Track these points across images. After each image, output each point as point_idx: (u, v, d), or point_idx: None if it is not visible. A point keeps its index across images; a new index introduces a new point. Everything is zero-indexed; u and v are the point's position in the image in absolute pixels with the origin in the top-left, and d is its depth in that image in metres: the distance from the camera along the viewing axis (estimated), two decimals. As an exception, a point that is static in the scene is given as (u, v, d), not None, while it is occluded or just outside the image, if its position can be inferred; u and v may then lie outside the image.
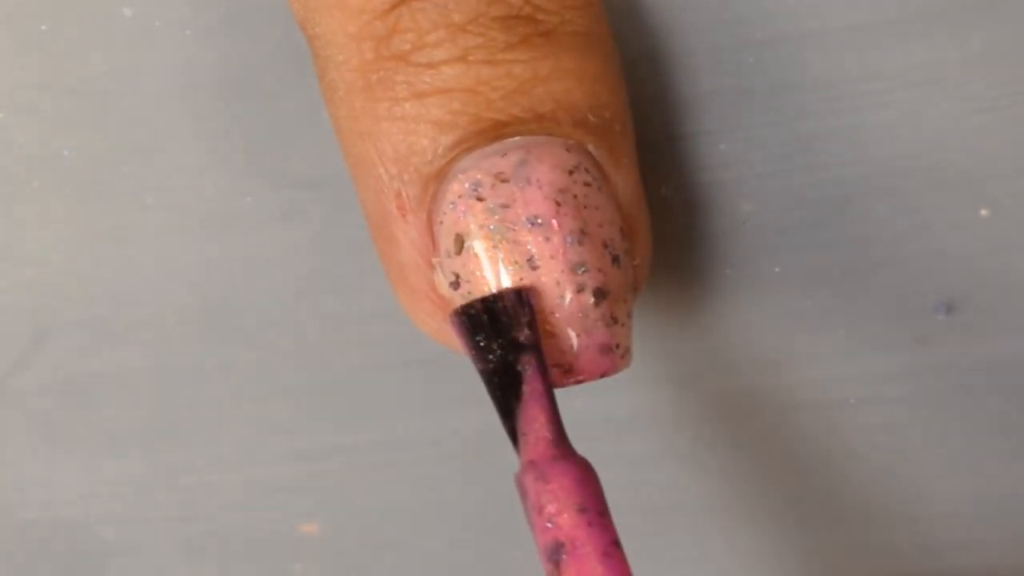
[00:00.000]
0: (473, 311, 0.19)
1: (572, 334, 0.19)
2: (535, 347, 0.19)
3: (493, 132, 0.19)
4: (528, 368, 0.19)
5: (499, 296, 0.19)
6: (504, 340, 0.19)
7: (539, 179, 0.19)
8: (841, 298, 0.24)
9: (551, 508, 0.18)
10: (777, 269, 0.24)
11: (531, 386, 0.19)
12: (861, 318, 0.24)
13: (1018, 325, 0.24)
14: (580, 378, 0.20)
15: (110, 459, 0.26)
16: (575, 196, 0.19)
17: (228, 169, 0.24)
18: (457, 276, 0.20)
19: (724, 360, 0.25)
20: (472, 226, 0.19)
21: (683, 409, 0.25)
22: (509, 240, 0.19)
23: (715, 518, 0.26)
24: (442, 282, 0.20)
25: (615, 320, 0.20)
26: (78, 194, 0.24)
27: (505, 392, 0.19)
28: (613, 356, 0.20)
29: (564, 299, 0.19)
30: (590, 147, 0.20)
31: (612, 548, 0.18)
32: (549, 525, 0.18)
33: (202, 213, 0.24)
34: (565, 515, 0.18)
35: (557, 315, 0.19)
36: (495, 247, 0.19)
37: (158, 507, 0.26)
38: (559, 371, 0.20)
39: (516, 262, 0.19)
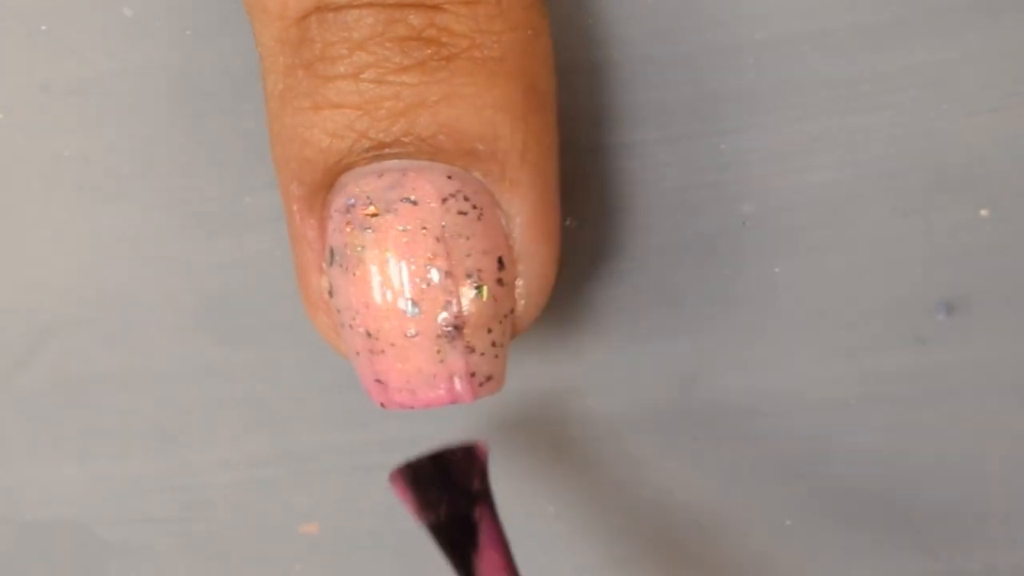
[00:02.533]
0: (420, 467, 0.20)
1: (413, 360, 0.20)
2: (487, 496, 0.20)
3: (375, 151, 0.19)
4: (484, 517, 0.20)
5: (450, 452, 0.20)
6: (457, 492, 0.20)
7: (403, 209, 0.19)
8: (841, 298, 0.24)
9: None
10: (777, 269, 0.24)
11: (488, 534, 0.20)
12: (861, 318, 0.24)
13: (1018, 325, 0.24)
14: (414, 401, 0.20)
15: (110, 459, 0.26)
16: (442, 225, 0.19)
17: (228, 169, 0.24)
18: (331, 286, 0.20)
19: (724, 360, 0.25)
20: (340, 243, 0.20)
21: (683, 409, 0.25)
22: (368, 262, 0.20)
23: (715, 518, 0.26)
24: (326, 286, 0.20)
25: (471, 349, 0.20)
26: (78, 194, 0.24)
27: (459, 542, 0.20)
28: (467, 383, 0.20)
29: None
30: (476, 174, 0.20)
31: None
32: None
33: (202, 213, 0.24)
34: None
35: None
36: (354, 269, 0.20)
37: (158, 507, 0.26)
38: (408, 392, 0.20)
39: (365, 290, 0.20)
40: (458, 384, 0.20)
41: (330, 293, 0.20)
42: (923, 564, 0.26)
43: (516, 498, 0.26)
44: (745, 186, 0.23)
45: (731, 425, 0.25)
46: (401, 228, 0.19)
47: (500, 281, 0.20)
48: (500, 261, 0.20)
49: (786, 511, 0.26)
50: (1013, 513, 0.25)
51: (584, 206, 0.24)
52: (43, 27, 0.23)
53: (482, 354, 0.20)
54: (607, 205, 0.24)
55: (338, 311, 0.20)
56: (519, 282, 0.20)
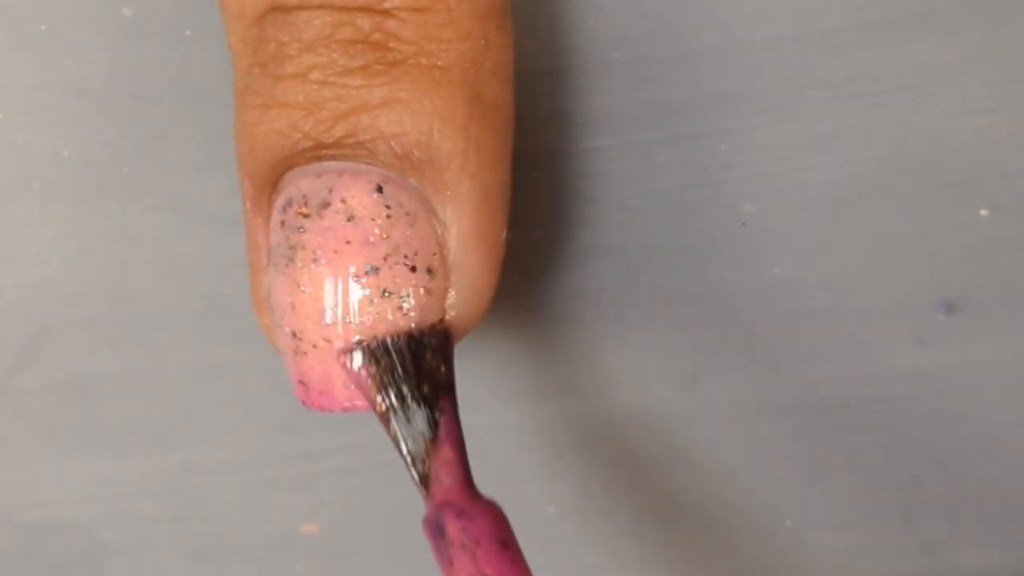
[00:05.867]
0: (392, 347, 0.19)
1: (334, 362, 0.20)
2: (452, 388, 0.19)
3: (315, 152, 0.20)
4: (445, 410, 0.19)
5: (424, 334, 0.19)
6: (428, 382, 0.19)
7: (335, 210, 0.19)
8: (841, 298, 0.24)
9: (474, 544, 0.19)
10: (777, 269, 0.24)
11: (447, 429, 0.19)
12: (861, 318, 0.24)
13: (1018, 325, 0.24)
14: (333, 404, 0.20)
15: (110, 459, 0.26)
16: (372, 230, 0.19)
17: (228, 169, 0.24)
18: (269, 285, 0.20)
19: (724, 360, 0.25)
20: (275, 242, 0.20)
21: (683, 409, 0.25)
22: (297, 262, 0.20)
23: (715, 518, 0.26)
24: (266, 285, 0.20)
25: None
26: (78, 194, 0.24)
27: (416, 434, 0.19)
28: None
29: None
30: (413, 181, 0.20)
31: None
32: (474, 560, 0.18)
33: (202, 213, 0.24)
34: (490, 551, 0.18)
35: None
36: (283, 268, 0.20)
37: (158, 507, 0.26)
38: (328, 396, 0.20)
39: (293, 290, 0.20)
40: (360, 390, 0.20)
41: (268, 292, 0.20)
42: (923, 564, 0.26)
43: (516, 498, 0.26)
44: (745, 186, 0.23)
45: (731, 425, 0.25)
46: (330, 230, 0.19)
47: (428, 290, 0.20)
48: (429, 270, 0.20)
49: (786, 511, 0.26)
50: (1013, 513, 0.25)
51: (584, 206, 0.24)
52: (43, 27, 0.23)
53: None
54: (607, 205, 0.24)
55: (272, 310, 0.20)
56: (451, 292, 0.20)
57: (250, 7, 0.20)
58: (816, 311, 0.24)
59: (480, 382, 0.25)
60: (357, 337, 0.19)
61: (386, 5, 0.19)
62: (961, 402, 0.25)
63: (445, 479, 0.19)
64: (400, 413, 0.19)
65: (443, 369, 0.19)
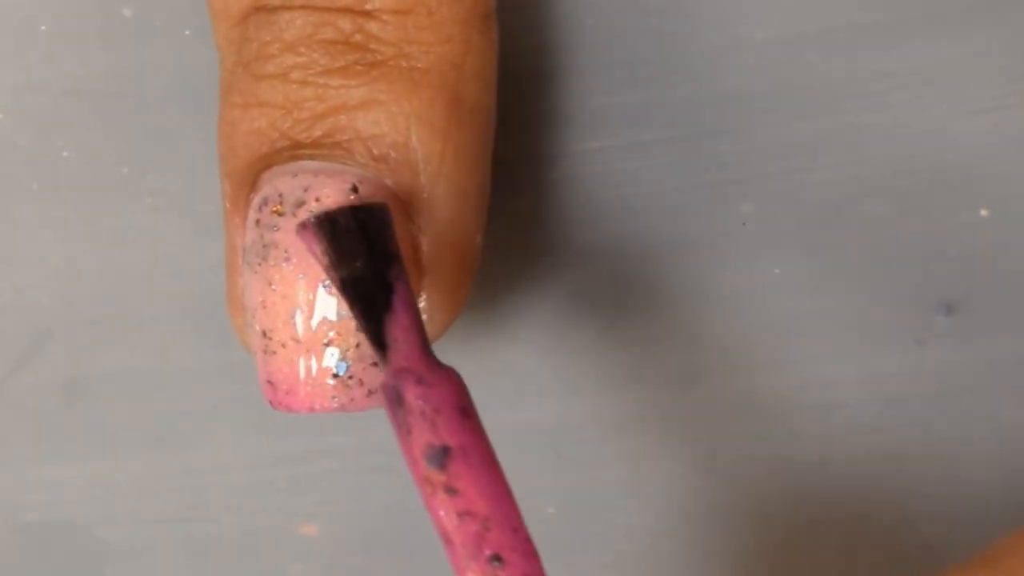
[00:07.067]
0: (339, 217, 0.19)
1: (302, 363, 0.20)
2: (401, 258, 0.19)
3: (292, 151, 0.20)
4: (398, 278, 0.19)
5: (370, 208, 0.19)
6: (377, 248, 0.19)
7: (309, 209, 0.19)
8: (841, 298, 0.24)
9: (435, 411, 0.18)
10: (777, 270, 0.24)
11: (402, 296, 0.19)
12: (861, 318, 0.24)
13: (1018, 325, 0.24)
14: (299, 405, 0.20)
15: (110, 459, 0.26)
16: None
17: (228, 169, 0.24)
18: (244, 284, 0.20)
19: (724, 360, 0.25)
20: (250, 240, 0.20)
21: (683, 409, 0.25)
22: (269, 260, 0.19)
23: (715, 518, 0.26)
24: (241, 285, 0.20)
25: (362, 359, 0.20)
26: (78, 194, 0.24)
27: (373, 301, 0.19)
28: (355, 392, 0.20)
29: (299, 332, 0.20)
30: (388, 182, 0.20)
31: (495, 457, 0.18)
32: (433, 428, 0.18)
33: (202, 213, 0.24)
34: (452, 419, 0.18)
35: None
36: (256, 266, 0.20)
37: (158, 507, 0.26)
38: (295, 396, 0.20)
39: (264, 288, 0.19)
40: (346, 393, 0.20)
41: (243, 291, 0.20)
42: (923, 564, 0.26)
43: (516, 498, 0.26)
44: (745, 186, 0.23)
45: (731, 425, 0.25)
46: (294, 235, 0.19)
47: None
48: None
49: (785, 511, 0.26)
50: (1013, 513, 0.25)
51: (585, 207, 0.24)
52: (43, 27, 0.23)
53: (374, 364, 0.20)
54: (607, 205, 0.24)
55: (244, 309, 0.20)
56: (423, 295, 0.20)
57: (234, 7, 0.20)
58: (816, 311, 0.24)
59: (480, 383, 0.25)
60: (331, 335, 0.19)
61: (367, 7, 0.19)
62: (961, 402, 0.25)
63: (403, 345, 0.18)
64: (356, 283, 0.19)
65: (391, 239, 0.19)
